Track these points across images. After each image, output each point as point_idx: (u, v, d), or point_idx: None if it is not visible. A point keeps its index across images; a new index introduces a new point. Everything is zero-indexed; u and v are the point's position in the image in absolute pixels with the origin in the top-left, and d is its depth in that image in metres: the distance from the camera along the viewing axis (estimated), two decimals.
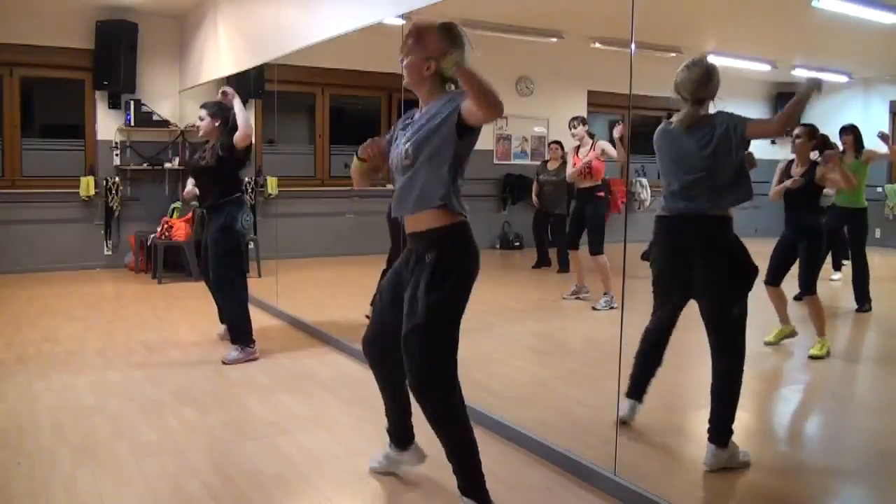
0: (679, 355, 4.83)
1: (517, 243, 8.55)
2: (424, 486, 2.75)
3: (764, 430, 3.55)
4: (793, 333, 4.71)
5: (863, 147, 5.73)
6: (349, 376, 4.11)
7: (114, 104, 7.56)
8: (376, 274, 5.76)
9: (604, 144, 6.02)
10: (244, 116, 4.22)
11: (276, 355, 4.49)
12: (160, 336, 4.97)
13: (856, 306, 5.53)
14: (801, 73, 10.27)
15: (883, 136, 6.86)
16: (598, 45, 8.22)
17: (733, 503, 2.72)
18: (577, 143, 6.12)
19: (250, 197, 8.03)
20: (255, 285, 6.86)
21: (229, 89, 4.31)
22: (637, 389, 3.23)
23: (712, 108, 3.00)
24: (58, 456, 2.94)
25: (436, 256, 2.34)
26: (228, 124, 4.27)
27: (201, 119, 4.33)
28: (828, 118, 11.34)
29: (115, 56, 7.30)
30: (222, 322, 4.68)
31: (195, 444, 3.10)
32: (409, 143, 2.38)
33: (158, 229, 7.06)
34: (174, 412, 3.49)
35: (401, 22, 4.30)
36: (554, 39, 8.04)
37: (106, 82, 7.38)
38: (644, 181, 8.73)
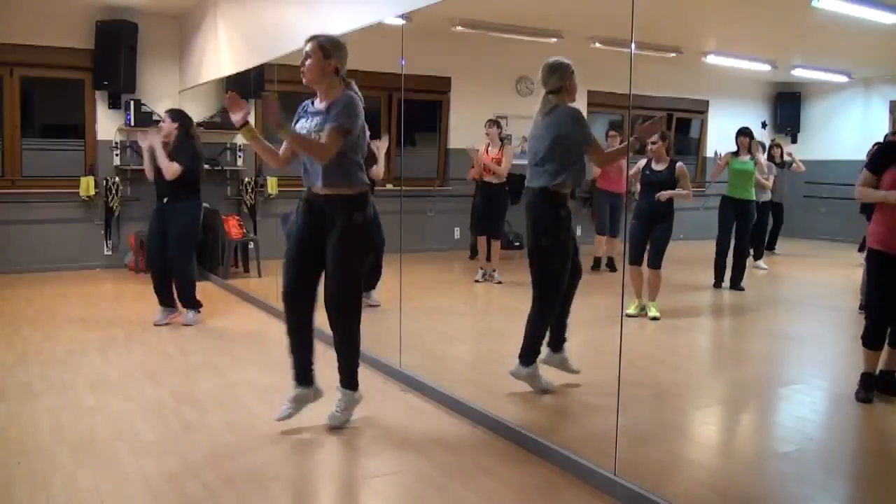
0: (678, 356, 4.86)
1: (517, 244, 8.48)
2: (426, 492, 2.76)
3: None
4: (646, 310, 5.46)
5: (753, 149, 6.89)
6: None
7: (114, 104, 7.55)
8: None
9: (513, 150, 7.16)
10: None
11: (276, 355, 4.49)
12: (160, 336, 4.97)
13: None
14: (801, 73, 10.28)
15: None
16: (598, 45, 8.21)
17: (733, 503, 2.71)
18: (489, 142, 6.93)
19: (250, 197, 8.03)
20: (255, 285, 6.88)
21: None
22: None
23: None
24: (58, 456, 2.94)
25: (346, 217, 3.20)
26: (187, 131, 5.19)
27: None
28: (828, 118, 11.38)
29: (115, 56, 7.29)
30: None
31: (195, 444, 3.10)
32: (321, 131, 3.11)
33: None
34: (174, 412, 3.49)
35: (401, 22, 4.30)
36: (554, 39, 8.02)
37: (106, 82, 7.38)
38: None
